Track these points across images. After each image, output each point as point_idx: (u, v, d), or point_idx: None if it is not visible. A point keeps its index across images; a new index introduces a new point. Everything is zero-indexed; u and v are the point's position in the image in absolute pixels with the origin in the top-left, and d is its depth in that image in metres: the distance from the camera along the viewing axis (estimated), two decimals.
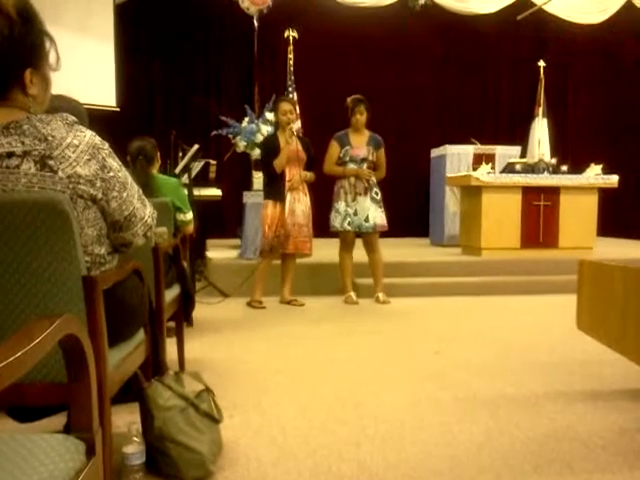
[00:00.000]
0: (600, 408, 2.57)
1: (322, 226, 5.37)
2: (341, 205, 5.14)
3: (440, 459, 2.05)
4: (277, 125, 5.12)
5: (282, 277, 5.18)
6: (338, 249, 5.29)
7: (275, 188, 4.95)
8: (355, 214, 5.10)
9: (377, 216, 5.13)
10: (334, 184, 5.25)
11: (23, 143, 1.39)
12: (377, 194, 5.18)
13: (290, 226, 4.94)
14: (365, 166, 5.13)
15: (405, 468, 1.98)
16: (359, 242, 5.25)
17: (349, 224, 5.10)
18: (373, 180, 5.18)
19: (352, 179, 5.12)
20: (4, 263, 1.34)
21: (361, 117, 5.12)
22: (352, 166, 5.13)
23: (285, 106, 4.99)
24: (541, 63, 8.98)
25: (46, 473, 0.91)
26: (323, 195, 5.50)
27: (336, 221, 5.15)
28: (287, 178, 4.95)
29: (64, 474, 0.95)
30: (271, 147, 4.94)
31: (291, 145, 4.89)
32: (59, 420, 1.88)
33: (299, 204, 5.01)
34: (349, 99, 5.18)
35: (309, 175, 5.06)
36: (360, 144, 5.16)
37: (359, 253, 5.30)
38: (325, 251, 5.53)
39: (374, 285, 5.27)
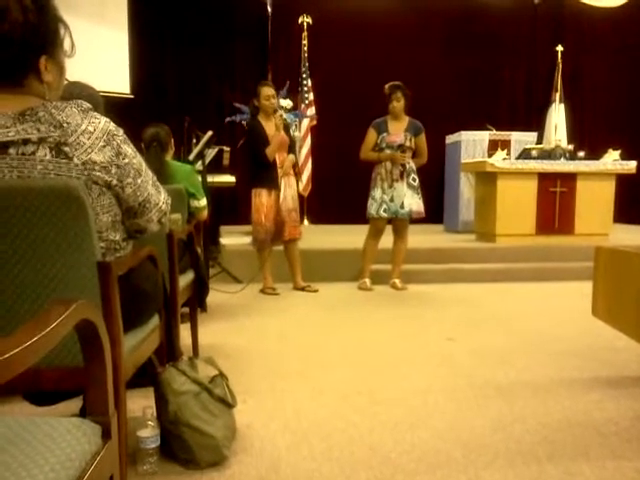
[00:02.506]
0: (614, 395, 2.55)
1: (348, 214, 5.33)
2: (377, 192, 5.08)
3: (453, 445, 2.05)
4: (257, 110, 4.97)
5: (290, 264, 5.17)
6: (366, 235, 5.25)
7: (268, 176, 4.86)
8: (391, 200, 5.04)
9: (413, 203, 5.05)
10: (371, 171, 5.20)
11: (38, 130, 1.39)
12: (415, 180, 5.09)
13: (284, 212, 4.91)
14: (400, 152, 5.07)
15: (418, 453, 1.98)
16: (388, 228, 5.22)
17: (385, 211, 5.05)
18: (411, 166, 5.08)
19: (388, 165, 5.04)
20: (20, 249, 1.35)
21: (398, 104, 5.03)
22: (387, 152, 5.06)
23: (268, 91, 4.87)
24: (559, 48, 8.86)
25: (63, 456, 0.92)
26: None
27: (372, 208, 5.09)
28: (278, 165, 4.89)
29: (80, 457, 0.96)
30: (260, 135, 4.82)
31: (280, 131, 4.82)
32: (75, 404, 1.91)
33: (289, 189, 4.98)
34: (387, 86, 5.09)
35: (294, 158, 5.05)
36: (397, 130, 5.07)
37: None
38: (342, 237, 5.52)
39: (391, 271, 5.26)
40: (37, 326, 0.86)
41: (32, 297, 1.39)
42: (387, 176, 5.05)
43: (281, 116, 4.84)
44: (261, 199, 4.90)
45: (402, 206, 5.02)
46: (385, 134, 5.06)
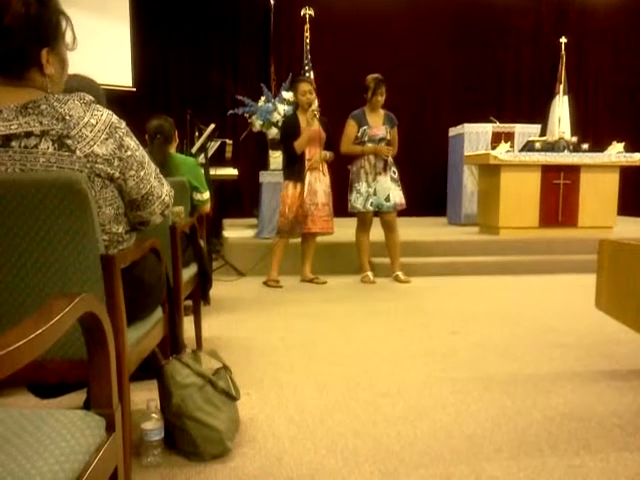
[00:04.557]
0: (618, 388, 2.55)
1: (338, 206, 5.35)
2: (362, 186, 5.09)
3: (456, 438, 2.05)
4: (296, 105, 5.09)
5: (302, 256, 5.19)
6: (355, 229, 5.28)
7: (295, 169, 4.92)
8: (375, 194, 5.07)
9: (397, 195, 5.11)
10: (351, 164, 5.21)
11: (41, 123, 1.39)
12: (395, 173, 5.15)
13: (311, 206, 4.93)
14: (383, 145, 5.09)
15: (421, 446, 1.99)
16: (376, 221, 5.23)
17: (371, 204, 5.08)
18: (391, 159, 5.14)
19: (372, 159, 5.07)
20: (23, 242, 1.35)
21: (382, 98, 5.06)
22: (370, 145, 5.09)
23: (305, 86, 4.94)
24: (563, 39, 8.82)
25: (68, 448, 0.93)
26: (340, 175, 5.47)
27: (358, 202, 5.11)
28: (307, 158, 4.93)
29: (85, 449, 0.96)
30: (292, 128, 4.89)
31: (312, 126, 4.87)
32: (79, 397, 1.91)
33: (320, 184, 5.00)
34: (369, 78, 5.09)
35: (329, 154, 5.04)
36: (377, 123, 5.10)
37: (374, 232, 5.28)
38: (343, 230, 5.52)
39: (391, 264, 5.27)
40: (41, 319, 0.86)
41: (36, 290, 1.39)
42: (371, 169, 5.08)
43: (313, 110, 4.86)
44: (287, 191, 4.96)
45: (387, 199, 5.06)
46: (366, 127, 5.07)
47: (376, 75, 5.09)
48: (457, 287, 5.04)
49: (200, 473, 1.81)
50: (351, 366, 2.87)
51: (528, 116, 8.83)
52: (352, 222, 5.34)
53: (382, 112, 5.17)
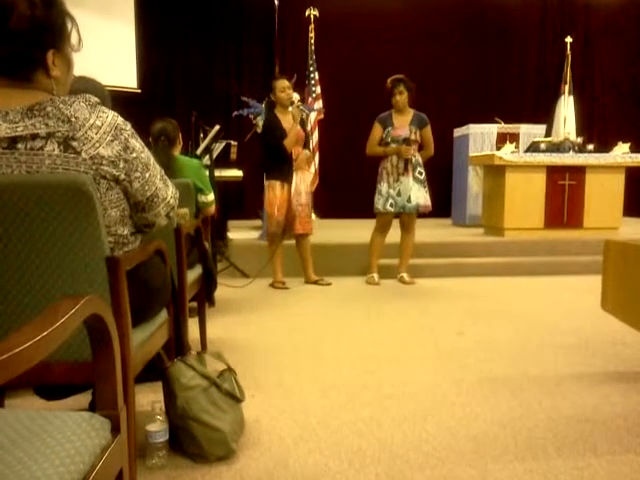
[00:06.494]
0: (624, 389, 2.54)
1: (355, 208, 5.33)
2: (383, 187, 5.07)
3: (462, 439, 2.05)
4: (273, 104, 4.99)
5: (301, 258, 5.17)
6: (372, 229, 5.25)
7: (282, 169, 4.87)
8: (398, 195, 5.02)
9: (420, 196, 5.04)
10: (378, 165, 5.17)
11: (47, 125, 1.39)
12: (421, 174, 5.08)
13: (298, 207, 4.92)
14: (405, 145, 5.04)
15: (427, 448, 1.98)
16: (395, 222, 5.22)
17: (391, 205, 5.03)
18: (417, 159, 5.06)
19: (394, 159, 5.02)
20: (29, 244, 1.36)
21: (401, 97, 5.00)
22: (393, 146, 5.04)
23: (283, 83, 4.89)
24: (568, 39, 8.80)
25: (73, 450, 0.93)
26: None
27: (379, 203, 5.08)
28: (293, 158, 4.90)
29: (90, 451, 0.96)
30: (275, 128, 4.81)
31: (297, 120, 4.82)
32: (85, 398, 1.92)
33: (303, 184, 4.98)
34: (389, 80, 5.07)
35: (309, 153, 5.02)
36: (402, 124, 5.05)
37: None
38: (346, 231, 5.52)
39: (398, 265, 5.26)
40: (46, 321, 0.86)
41: (42, 292, 1.39)
42: (393, 170, 5.04)
43: (298, 107, 4.83)
44: (274, 192, 4.90)
45: (409, 200, 5.01)
46: (390, 128, 5.04)
47: (395, 76, 5.06)
48: (462, 288, 5.03)
49: (205, 475, 1.81)
50: (356, 367, 2.87)
51: (533, 117, 8.80)
52: (353, 223, 5.33)
53: (411, 112, 5.11)
